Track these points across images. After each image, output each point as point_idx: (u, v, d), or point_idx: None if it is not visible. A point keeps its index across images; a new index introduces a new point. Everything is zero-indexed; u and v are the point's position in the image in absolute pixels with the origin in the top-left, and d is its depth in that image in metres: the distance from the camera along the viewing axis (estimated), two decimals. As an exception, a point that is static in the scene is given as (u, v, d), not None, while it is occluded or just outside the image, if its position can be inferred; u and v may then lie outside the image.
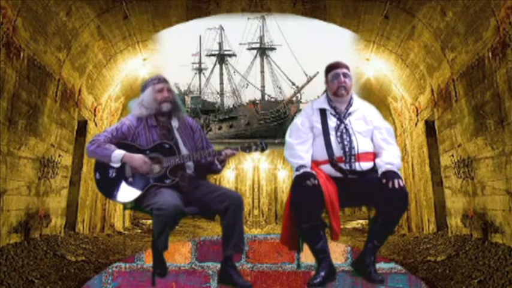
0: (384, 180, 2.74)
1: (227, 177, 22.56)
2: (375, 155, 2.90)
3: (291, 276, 3.08)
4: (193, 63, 45.10)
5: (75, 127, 8.11)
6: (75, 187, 8.46)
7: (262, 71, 41.38)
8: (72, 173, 8.10)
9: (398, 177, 2.75)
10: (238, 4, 8.20)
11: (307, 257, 2.99)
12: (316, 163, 2.89)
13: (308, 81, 34.71)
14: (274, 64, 41.96)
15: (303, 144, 2.92)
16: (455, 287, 4.57)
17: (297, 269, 3.12)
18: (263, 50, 41.84)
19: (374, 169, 2.86)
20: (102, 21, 7.36)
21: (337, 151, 2.86)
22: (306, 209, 2.75)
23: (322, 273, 2.77)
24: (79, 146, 8.52)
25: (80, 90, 8.05)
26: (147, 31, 8.39)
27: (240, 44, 44.78)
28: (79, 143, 8.49)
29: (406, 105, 9.89)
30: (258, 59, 42.00)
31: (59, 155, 7.23)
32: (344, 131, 2.90)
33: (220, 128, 35.88)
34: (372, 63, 9.67)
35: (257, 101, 36.25)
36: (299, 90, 35.69)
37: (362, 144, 2.88)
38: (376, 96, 10.82)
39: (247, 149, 2.94)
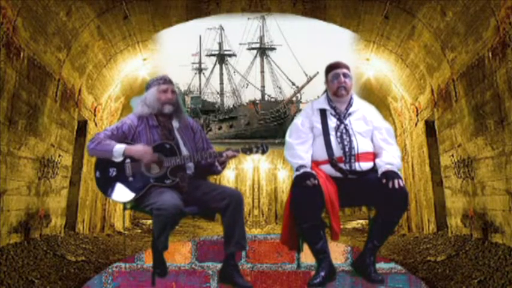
0: (384, 180, 2.74)
1: (227, 177, 22.57)
2: (374, 155, 2.90)
3: (291, 276, 3.08)
4: (193, 63, 45.11)
5: (75, 127, 8.11)
6: (75, 187, 8.46)
7: (262, 71, 41.39)
8: (72, 173, 8.10)
9: (398, 177, 2.75)
10: (238, 4, 8.20)
11: (307, 257, 2.99)
12: (316, 163, 2.89)
13: (308, 81, 34.69)
14: (274, 64, 41.98)
15: (303, 144, 2.92)
16: (455, 287, 4.57)
17: (297, 269, 3.12)
18: (263, 50, 41.83)
19: (374, 169, 2.86)
20: (102, 21, 7.36)
21: (337, 151, 2.87)
22: (306, 209, 2.75)
23: (322, 273, 2.77)
24: (79, 146, 8.52)
25: (80, 90, 8.06)
26: (147, 31, 8.39)
27: (240, 44, 44.80)
28: (79, 143, 8.50)
29: (406, 105, 9.89)
30: (258, 59, 42.01)
31: (59, 155, 7.23)
32: (344, 131, 2.90)
33: (220, 128, 35.87)
34: (372, 63, 9.67)
35: (257, 101, 36.24)
36: (299, 90, 35.68)
37: (362, 145, 2.88)
38: (376, 96, 10.82)
39: (248, 151, 2.94)
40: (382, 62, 9.32)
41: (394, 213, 2.79)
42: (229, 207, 2.80)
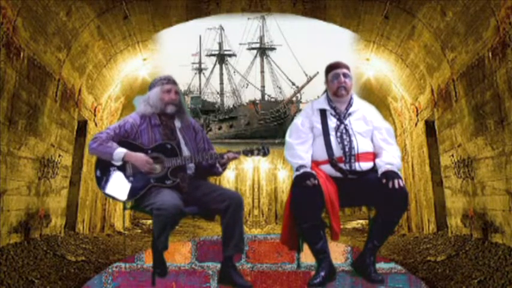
0: (384, 180, 2.74)
1: (227, 177, 22.56)
2: (374, 155, 2.90)
3: (291, 276, 3.08)
4: (193, 63, 45.13)
5: (75, 127, 8.11)
6: (75, 187, 8.46)
7: (262, 71, 41.41)
8: (72, 173, 8.10)
9: (398, 177, 2.75)
10: (238, 4, 8.20)
11: (307, 257, 2.99)
12: (316, 163, 2.89)
13: (308, 81, 34.72)
14: (274, 64, 42.00)
15: (303, 145, 2.92)
16: (455, 287, 4.57)
17: (297, 269, 3.12)
18: (263, 50, 41.86)
19: (374, 169, 2.86)
20: (102, 21, 7.36)
21: (337, 151, 2.87)
22: (306, 209, 2.75)
23: (322, 273, 2.77)
24: (79, 146, 8.52)
25: (80, 90, 8.06)
26: (147, 31, 8.39)
27: (240, 44, 44.86)
28: (79, 143, 8.50)
29: (406, 105, 9.89)
30: (258, 59, 42.03)
31: (59, 155, 7.23)
32: (344, 131, 2.90)
33: (220, 128, 35.89)
34: (372, 63, 9.67)
35: (257, 101, 36.26)
36: (299, 90, 35.70)
37: (362, 145, 2.88)
38: (376, 96, 10.82)
39: (249, 153, 2.95)
40: (382, 62, 9.32)
41: (394, 213, 2.79)
42: (229, 209, 2.80)
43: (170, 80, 3.07)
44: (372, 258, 2.83)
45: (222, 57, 43.31)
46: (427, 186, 9.02)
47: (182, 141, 3.03)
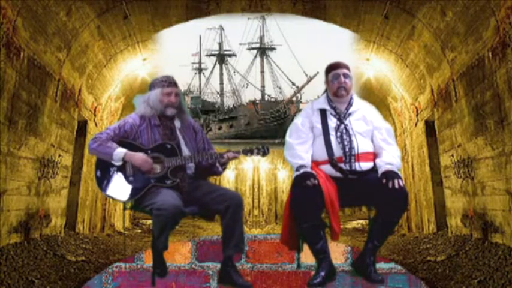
0: (384, 180, 2.74)
1: (227, 177, 22.56)
2: (374, 155, 2.90)
3: (291, 276, 3.08)
4: (193, 63, 45.12)
5: (75, 127, 8.11)
6: (75, 187, 8.46)
7: (262, 71, 41.40)
8: (72, 173, 8.10)
9: (398, 177, 2.75)
10: (238, 4, 8.20)
11: (307, 257, 2.99)
12: (316, 163, 2.89)
13: (308, 81, 34.72)
14: (274, 64, 41.99)
15: (303, 145, 2.92)
16: (455, 287, 4.57)
17: (297, 269, 3.12)
18: (263, 50, 41.85)
19: (374, 169, 2.86)
20: (102, 21, 7.36)
21: (337, 151, 2.87)
22: (306, 209, 2.75)
23: (322, 273, 2.77)
24: (79, 146, 8.52)
25: (80, 90, 8.06)
26: (147, 31, 8.39)
27: (240, 44, 44.79)
28: (79, 143, 8.50)
29: (406, 105, 9.89)
30: (258, 59, 42.02)
31: (59, 155, 7.23)
32: (344, 131, 2.90)
33: (220, 128, 35.89)
34: (372, 63, 9.67)
35: (257, 101, 36.26)
36: (299, 90, 35.70)
37: (362, 145, 2.88)
38: (376, 96, 10.82)
39: (249, 153, 2.94)
40: (382, 62, 9.32)
41: (394, 213, 2.79)
42: (229, 209, 2.80)
43: (171, 83, 3.05)
44: (372, 258, 2.83)
45: (222, 57, 43.31)
46: (427, 186, 9.02)
47: (182, 141, 3.02)
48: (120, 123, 3.01)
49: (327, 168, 2.86)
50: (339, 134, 2.90)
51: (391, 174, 2.75)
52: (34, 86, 6.06)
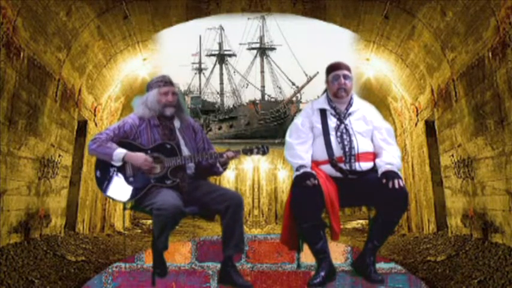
0: (384, 180, 2.74)
1: (227, 177, 22.56)
2: (374, 155, 2.90)
3: (291, 276, 3.09)
4: (193, 63, 45.18)
5: (75, 127, 8.11)
6: (75, 187, 8.46)
7: (262, 71, 41.45)
8: (72, 173, 8.10)
9: (399, 177, 2.75)
10: (238, 4, 8.19)
11: (307, 257, 2.99)
12: (316, 163, 2.89)
13: (308, 81, 34.74)
14: (274, 64, 42.05)
15: (303, 144, 2.92)
16: (455, 287, 4.57)
17: (297, 269, 3.12)
18: (263, 50, 41.90)
19: (374, 169, 2.86)
20: (102, 21, 7.36)
21: (337, 151, 2.87)
22: (306, 209, 2.75)
23: (322, 273, 2.77)
24: (79, 146, 8.52)
25: (80, 90, 8.06)
26: (147, 31, 8.39)
27: (240, 44, 44.85)
28: (79, 143, 8.49)
29: (406, 105, 9.89)
30: (258, 59, 42.07)
31: (59, 155, 7.23)
32: (344, 131, 2.90)
33: (220, 128, 35.90)
34: (372, 63, 9.67)
35: (257, 101, 36.29)
36: (299, 90, 35.72)
37: (362, 145, 2.88)
38: (376, 96, 10.82)
39: (249, 152, 2.94)
40: (382, 62, 9.32)
41: (394, 213, 2.79)
42: (229, 209, 2.81)
43: (167, 82, 3.05)
44: (372, 258, 2.83)
45: (222, 57, 43.34)
46: (427, 186, 9.02)
47: (182, 141, 3.03)
48: (120, 124, 3.02)
49: (327, 168, 2.86)
50: (339, 134, 2.90)
51: (391, 174, 2.75)
52: (34, 86, 6.06)
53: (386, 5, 7.37)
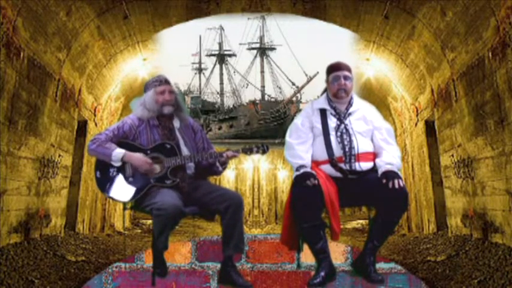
0: (384, 180, 2.74)
1: (227, 177, 22.55)
2: (375, 155, 2.90)
3: (291, 276, 3.08)
4: (193, 63, 45.15)
5: (75, 127, 8.11)
6: (75, 187, 8.46)
7: (262, 71, 41.42)
8: (72, 173, 8.10)
9: (399, 177, 2.75)
10: (238, 4, 8.19)
11: (307, 257, 2.99)
12: (316, 163, 2.89)
13: (308, 81, 34.72)
14: (274, 64, 42.01)
15: (303, 144, 2.92)
16: (455, 287, 4.57)
17: (297, 269, 3.12)
18: (263, 50, 41.87)
19: (374, 169, 2.86)
20: (102, 21, 7.36)
21: (337, 151, 2.87)
22: (306, 209, 2.75)
23: (322, 273, 2.77)
24: (79, 146, 8.52)
25: (80, 90, 8.06)
26: (147, 31, 8.39)
27: (240, 44, 44.81)
28: (79, 143, 8.49)
29: (406, 105, 9.89)
30: (258, 59, 42.04)
31: (59, 155, 7.23)
32: (344, 131, 2.90)
33: (220, 128, 35.89)
34: (372, 63, 9.67)
35: (257, 101, 36.27)
36: (299, 90, 35.71)
37: (362, 144, 2.88)
38: (376, 96, 10.82)
39: (249, 151, 2.94)
40: (382, 62, 9.32)
41: (394, 213, 2.79)
42: (229, 209, 2.80)
43: (162, 81, 3.05)
44: (372, 258, 2.83)
45: (222, 57, 43.32)
46: (427, 186, 9.02)
47: (181, 141, 3.02)
48: (119, 124, 3.02)
49: (327, 168, 2.86)
50: (339, 133, 2.90)
51: (391, 174, 2.75)
52: (34, 86, 6.06)
53: (386, 5, 7.37)
